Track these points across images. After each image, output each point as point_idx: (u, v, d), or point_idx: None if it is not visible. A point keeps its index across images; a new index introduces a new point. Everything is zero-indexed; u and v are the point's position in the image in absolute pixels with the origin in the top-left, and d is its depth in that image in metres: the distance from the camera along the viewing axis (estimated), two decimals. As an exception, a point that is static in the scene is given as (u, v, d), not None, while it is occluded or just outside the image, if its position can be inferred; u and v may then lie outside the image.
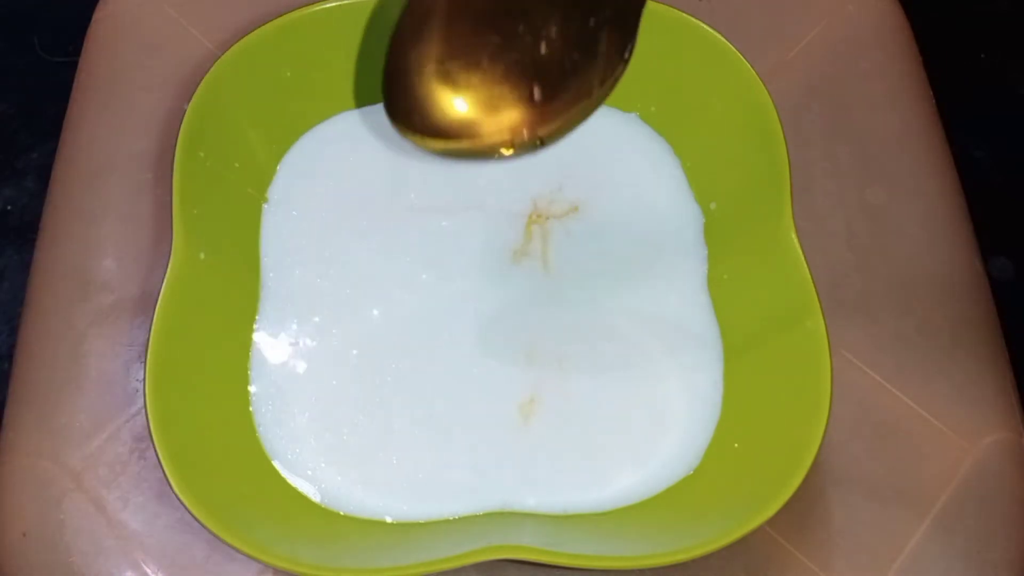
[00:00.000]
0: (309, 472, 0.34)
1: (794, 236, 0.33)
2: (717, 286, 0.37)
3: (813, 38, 0.42)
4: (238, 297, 0.36)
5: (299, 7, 0.36)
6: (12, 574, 0.33)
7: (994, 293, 0.38)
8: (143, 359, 0.31)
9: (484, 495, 0.33)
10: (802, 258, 0.33)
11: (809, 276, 0.33)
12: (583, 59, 0.28)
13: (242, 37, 0.36)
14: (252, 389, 0.35)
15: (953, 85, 0.45)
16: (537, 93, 0.28)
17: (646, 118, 0.39)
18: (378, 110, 0.39)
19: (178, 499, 0.29)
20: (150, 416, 0.30)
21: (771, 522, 0.30)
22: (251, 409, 0.34)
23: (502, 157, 0.29)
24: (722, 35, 0.36)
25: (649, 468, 0.34)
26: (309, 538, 0.32)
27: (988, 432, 0.35)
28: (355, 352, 0.35)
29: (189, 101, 0.35)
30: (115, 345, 0.36)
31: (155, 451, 0.30)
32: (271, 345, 0.35)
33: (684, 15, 0.36)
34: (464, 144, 0.28)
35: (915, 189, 0.39)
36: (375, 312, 0.36)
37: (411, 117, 0.28)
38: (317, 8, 0.36)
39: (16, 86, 0.60)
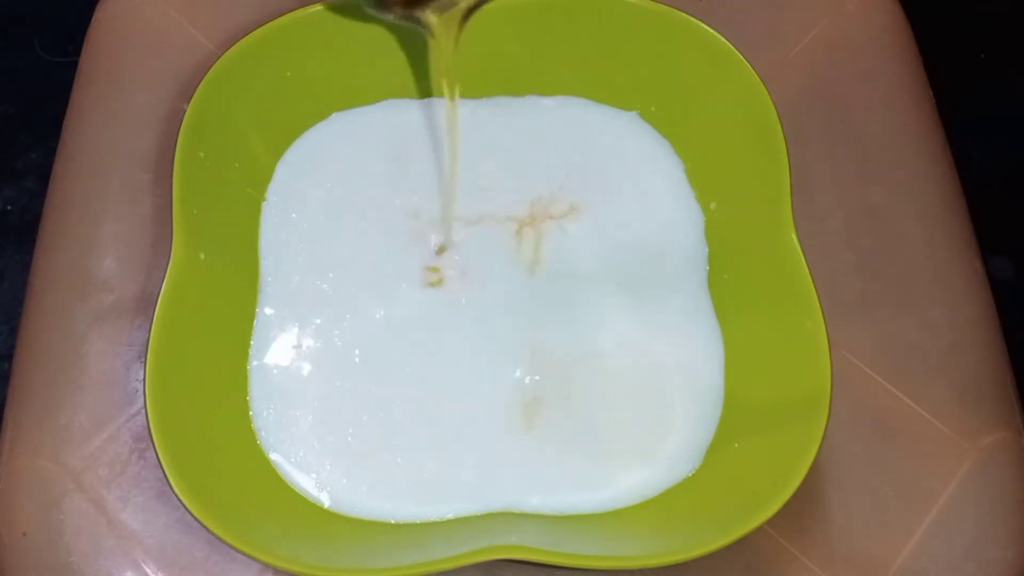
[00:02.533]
0: (311, 472, 0.34)
1: (794, 236, 0.33)
2: (717, 286, 0.37)
3: (813, 38, 0.42)
4: (238, 297, 0.36)
5: (299, 7, 0.36)
6: (12, 574, 0.33)
7: (994, 293, 0.38)
8: (143, 359, 0.31)
9: (486, 495, 0.33)
10: (802, 258, 0.33)
11: (809, 276, 0.33)
12: None
13: (242, 37, 0.36)
14: (252, 389, 0.35)
15: (953, 85, 0.45)
16: None
17: (646, 117, 0.40)
18: (377, 109, 0.40)
19: (178, 499, 0.29)
20: (150, 416, 0.30)
21: (771, 522, 0.30)
22: (251, 409, 0.34)
23: None
24: (722, 35, 0.36)
25: (650, 468, 0.34)
26: (310, 538, 0.32)
27: (988, 432, 0.35)
28: (357, 351, 0.35)
29: (189, 101, 0.35)
30: (115, 345, 0.36)
31: (155, 451, 0.30)
32: (271, 345, 0.35)
33: (684, 15, 0.36)
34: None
35: (915, 189, 0.39)
36: (375, 314, 0.36)
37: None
38: (317, 8, 0.36)
39: (16, 86, 0.60)
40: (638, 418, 0.35)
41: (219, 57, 0.35)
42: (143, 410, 0.32)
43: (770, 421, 0.33)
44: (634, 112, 0.40)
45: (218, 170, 0.36)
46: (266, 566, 0.32)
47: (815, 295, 0.32)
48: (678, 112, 0.39)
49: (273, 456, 0.34)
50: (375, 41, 0.38)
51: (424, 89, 0.40)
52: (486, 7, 0.35)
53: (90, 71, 0.41)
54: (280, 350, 0.35)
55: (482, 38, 0.37)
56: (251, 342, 0.35)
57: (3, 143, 0.59)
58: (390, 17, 0.32)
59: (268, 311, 0.36)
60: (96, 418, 0.34)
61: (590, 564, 0.30)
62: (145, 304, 0.36)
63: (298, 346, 0.35)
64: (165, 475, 0.30)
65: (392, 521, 0.33)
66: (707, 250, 0.37)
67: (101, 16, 0.42)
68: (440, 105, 0.40)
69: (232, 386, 0.34)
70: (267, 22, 0.36)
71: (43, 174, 0.39)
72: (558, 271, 0.37)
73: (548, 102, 0.40)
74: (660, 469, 0.34)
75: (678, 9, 0.36)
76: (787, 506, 0.29)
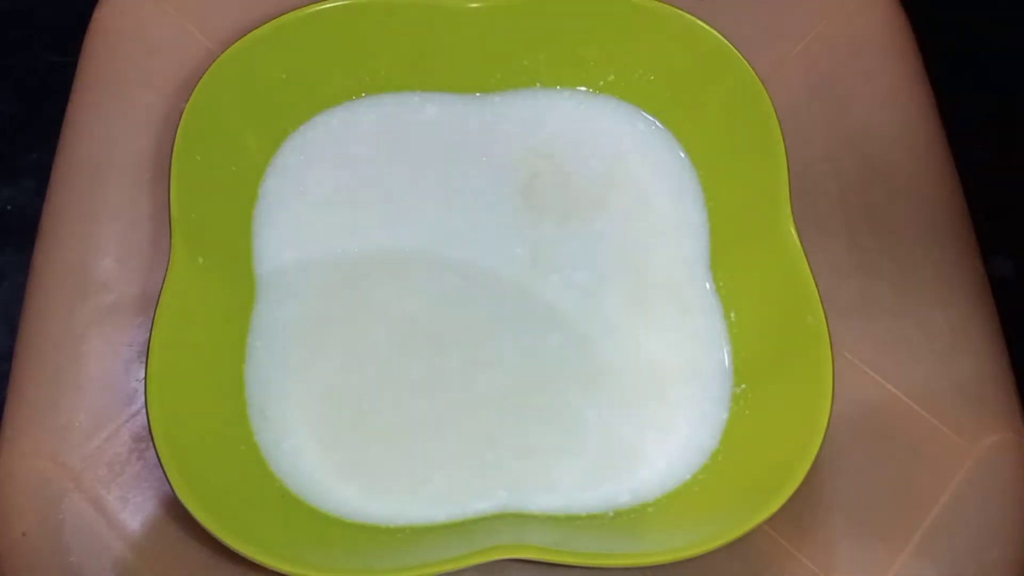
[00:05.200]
0: (311, 473, 0.34)
1: (794, 232, 0.33)
2: (718, 285, 0.37)
3: (813, 37, 0.42)
4: (237, 298, 0.36)
5: (298, 7, 0.36)
6: (12, 574, 0.33)
7: (994, 293, 0.38)
8: (143, 359, 0.31)
9: (490, 496, 0.33)
10: (802, 253, 0.33)
11: (809, 271, 0.33)
12: None
13: (241, 37, 0.36)
14: (251, 389, 0.35)
15: (953, 85, 0.45)
16: None
17: (647, 116, 0.40)
18: (374, 109, 0.39)
19: (178, 499, 0.29)
20: (150, 416, 0.30)
21: (771, 522, 0.30)
22: (251, 408, 0.34)
23: None
24: (722, 34, 0.36)
25: (652, 468, 0.34)
26: (311, 539, 0.32)
27: (988, 432, 0.35)
28: (359, 349, 0.35)
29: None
30: (115, 345, 0.36)
31: (155, 451, 0.30)
32: (271, 345, 0.35)
33: (684, 14, 0.36)
34: None
35: (915, 189, 0.39)
36: (376, 312, 0.36)
37: None
38: (314, 9, 0.36)
39: (16, 86, 0.60)
40: (639, 418, 0.35)
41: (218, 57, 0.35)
42: (143, 410, 0.32)
43: (770, 420, 0.33)
44: (634, 112, 0.40)
45: (214, 172, 0.36)
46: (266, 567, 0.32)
47: (815, 289, 0.32)
48: (678, 112, 0.39)
49: (273, 458, 0.34)
50: (371, 41, 0.38)
51: (421, 87, 0.40)
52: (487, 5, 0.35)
53: (90, 71, 0.41)
54: (279, 349, 0.35)
55: (481, 36, 0.38)
56: (250, 342, 0.35)
57: (3, 143, 0.59)
58: None
59: (266, 311, 0.36)
60: (96, 418, 0.34)
61: (591, 563, 0.30)
62: (145, 304, 0.36)
63: (298, 345, 0.35)
64: (165, 475, 0.30)
65: (395, 523, 0.33)
66: (708, 249, 0.37)
67: (101, 16, 0.42)
68: (439, 103, 0.40)
69: (232, 386, 0.34)
70: (266, 22, 0.36)
71: (43, 174, 0.39)
72: (558, 270, 0.37)
73: (547, 101, 0.40)
74: (662, 469, 0.34)
75: (679, 8, 0.36)
76: (787, 506, 0.29)
